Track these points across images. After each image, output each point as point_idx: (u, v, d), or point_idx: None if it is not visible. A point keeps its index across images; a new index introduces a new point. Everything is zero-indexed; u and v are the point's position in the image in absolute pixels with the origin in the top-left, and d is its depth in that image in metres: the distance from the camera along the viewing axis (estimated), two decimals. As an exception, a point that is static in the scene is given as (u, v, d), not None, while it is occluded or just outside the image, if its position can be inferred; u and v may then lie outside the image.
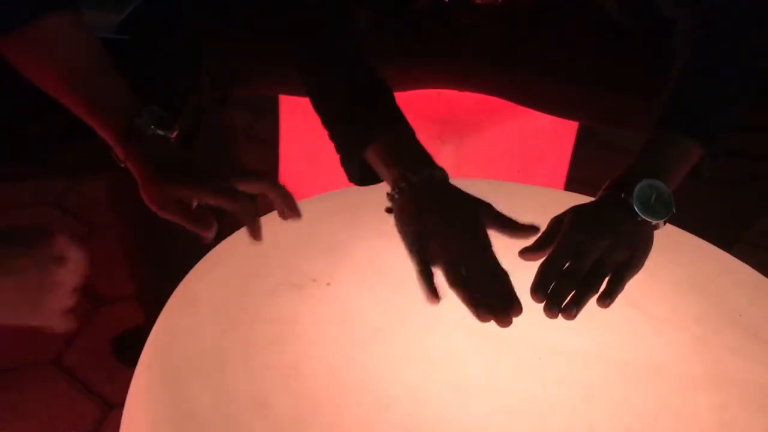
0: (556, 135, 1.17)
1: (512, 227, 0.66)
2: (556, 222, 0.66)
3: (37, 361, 1.08)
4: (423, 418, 0.55)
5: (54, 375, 1.06)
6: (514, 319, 0.60)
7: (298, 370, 0.58)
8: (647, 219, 0.64)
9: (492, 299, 0.60)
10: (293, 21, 0.83)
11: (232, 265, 0.68)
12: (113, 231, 1.14)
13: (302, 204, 0.80)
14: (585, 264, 0.62)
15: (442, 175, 0.70)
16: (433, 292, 0.62)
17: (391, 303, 0.66)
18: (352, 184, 0.78)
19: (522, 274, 0.63)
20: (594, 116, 1.02)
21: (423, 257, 0.64)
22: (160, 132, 0.69)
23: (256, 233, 0.67)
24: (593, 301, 0.62)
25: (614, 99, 0.93)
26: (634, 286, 0.70)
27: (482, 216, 0.66)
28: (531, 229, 0.66)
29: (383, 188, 0.73)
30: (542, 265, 0.62)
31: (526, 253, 0.65)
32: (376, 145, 0.71)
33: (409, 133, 0.73)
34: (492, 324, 0.61)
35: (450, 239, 0.64)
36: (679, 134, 0.69)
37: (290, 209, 0.69)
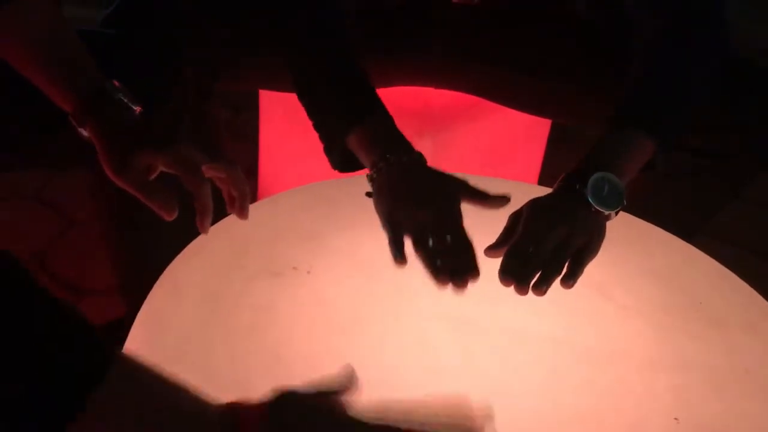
0: (529, 131, 1.19)
1: (484, 198, 0.70)
2: (516, 216, 0.69)
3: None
4: (398, 400, 0.58)
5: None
6: (486, 306, 0.63)
7: (279, 355, 0.60)
8: (600, 209, 0.67)
9: (453, 265, 0.64)
10: (282, 15, 0.85)
11: (214, 254, 0.70)
12: (94, 223, 1.15)
13: (282, 196, 0.83)
14: (546, 249, 0.65)
15: (419, 157, 0.73)
16: (400, 256, 0.65)
17: (368, 291, 0.68)
18: (332, 176, 0.80)
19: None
20: (566, 114, 1.05)
21: (394, 226, 0.67)
22: (125, 100, 0.68)
23: (205, 223, 0.66)
24: (559, 292, 0.65)
25: (586, 97, 0.95)
26: (600, 274, 0.73)
27: (455, 191, 0.70)
28: (502, 199, 0.70)
29: (361, 181, 0.75)
30: (507, 252, 0.65)
31: (491, 250, 0.68)
32: (356, 132, 0.74)
33: (388, 120, 0.76)
34: (465, 308, 0.64)
35: (420, 210, 0.67)
36: (632, 131, 0.72)
37: (240, 208, 0.68)
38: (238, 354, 0.60)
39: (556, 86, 0.96)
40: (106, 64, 0.72)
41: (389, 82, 0.99)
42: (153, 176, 0.66)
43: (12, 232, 1.31)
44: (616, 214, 0.69)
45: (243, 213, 0.68)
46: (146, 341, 0.61)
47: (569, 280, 0.64)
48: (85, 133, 0.68)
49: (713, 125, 0.83)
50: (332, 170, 0.81)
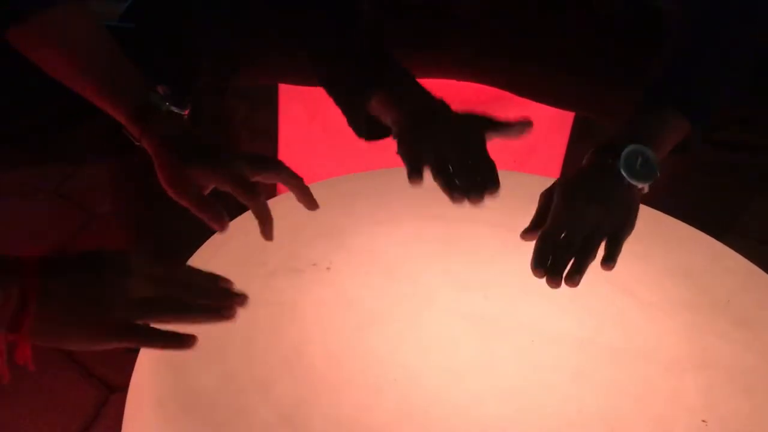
0: (552, 125, 1.18)
1: (507, 127, 0.70)
2: (547, 195, 0.67)
3: (37, 345, 1.09)
4: (418, 400, 0.57)
5: (55, 359, 1.07)
6: (507, 304, 0.62)
7: (298, 351, 0.60)
8: (633, 183, 0.66)
9: (470, 183, 0.64)
10: None
11: (233, 250, 0.69)
12: (113, 218, 1.15)
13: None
14: (580, 233, 0.63)
15: (443, 103, 0.73)
16: (416, 171, 0.66)
17: (388, 288, 0.67)
18: (351, 171, 0.79)
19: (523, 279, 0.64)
20: (590, 107, 1.03)
21: (415, 156, 0.67)
22: (173, 109, 0.69)
23: (268, 232, 0.66)
24: (582, 290, 0.64)
25: (610, 90, 0.94)
26: (625, 272, 0.72)
27: (478, 124, 0.70)
28: (523, 123, 0.70)
29: (381, 177, 0.74)
30: (539, 241, 0.63)
31: (526, 233, 0.67)
32: (377, 93, 0.73)
33: (408, 74, 0.75)
34: (486, 306, 0.63)
35: (442, 140, 0.67)
36: (664, 110, 0.70)
37: (307, 201, 0.68)
38: (257, 350, 0.59)
39: (580, 79, 0.94)
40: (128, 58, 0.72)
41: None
42: (207, 192, 0.66)
43: (32, 227, 1.32)
44: (649, 188, 0.67)
45: (311, 204, 0.68)
46: (166, 337, 0.60)
47: (609, 262, 0.63)
48: (140, 145, 0.69)
49: (746, 119, 0.81)
50: (351, 165, 0.80)
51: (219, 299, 0.55)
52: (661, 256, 0.75)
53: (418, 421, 0.55)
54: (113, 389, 1.04)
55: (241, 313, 0.62)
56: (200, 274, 0.56)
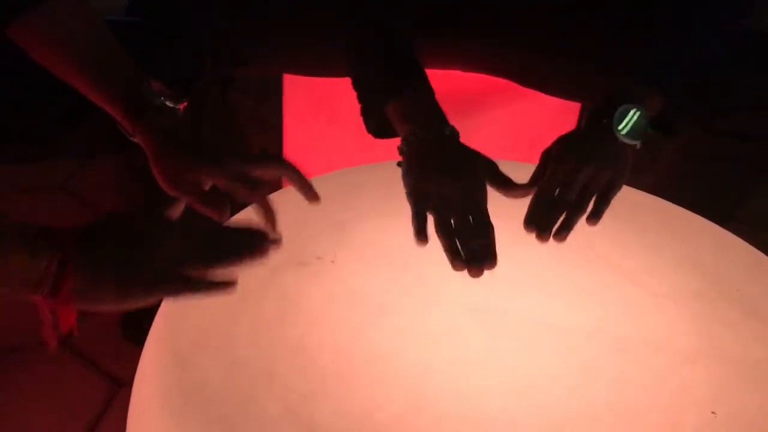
0: (558, 116, 1.17)
1: (508, 185, 0.71)
2: (547, 154, 0.71)
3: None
4: (424, 392, 0.57)
5: (62, 354, 1.08)
6: (515, 296, 0.62)
7: (304, 345, 0.60)
8: (625, 141, 0.69)
9: (471, 250, 0.64)
10: None
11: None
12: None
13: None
14: (572, 191, 0.67)
15: (452, 132, 0.73)
16: (422, 234, 0.66)
17: (394, 280, 0.67)
18: (356, 164, 0.79)
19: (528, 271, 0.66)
20: (597, 98, 1.03)
21: (419, 200, 0.68)
22: (167, 103, 0.68)
23: (271, 228, 0.65)
24: (590, 281, 0.63)
25: (617, 81, 0.93)
26: (633, 262, 0.71)
27: (482, 172, 0.70)
28: (525, 190, 0.71)
29: (386, 169, 0.74)
30: (533, 199, 0.67)
31: (524, 187, 0.70)
32: (395, 102, 0.75)
33: (428, 94, 0.76)
34: (493, 299, 0.62)
35: (446, 187, 0.68)
36: (638, 84, 0.74)
37: (309, 194, 0.67)
38: (263, 343, 0.59)
39: (587, 70, 0.93)
40: (134, 53, 0.72)
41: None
42: (207, 187, 0.66)
43: (39, 223, 1.32)
44: (642, 145, 0.71)
45: (313, 197, 0.67)
46: (171, 331, 0.60)
47: (594, 218, 0.66)
48: (135, 140, 0.68)
49: (752, 106, 0.80)
50: (356, 158, 0.80)
51: (252, 239, 0.56)
52: (670, 246, 0.74)
53: (425, 414, 0.55)
54: (121, 384, 1.04)
55: (247, 307, 0.63)
56: (229, 227, 0.59)
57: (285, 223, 0.71)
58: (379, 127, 0.78)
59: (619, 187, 0.69)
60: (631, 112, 0.70)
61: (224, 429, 0.52)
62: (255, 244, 0.55)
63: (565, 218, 0.66)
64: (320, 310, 0.63)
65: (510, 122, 1.10)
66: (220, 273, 0.54)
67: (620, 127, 0.69)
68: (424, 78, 0.77)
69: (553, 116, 1.17)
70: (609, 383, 0.59)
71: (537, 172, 0.71)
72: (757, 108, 0.81)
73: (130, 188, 0.95)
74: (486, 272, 0.63)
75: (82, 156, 1.42)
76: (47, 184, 1.41)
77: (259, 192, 0.65)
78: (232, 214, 0.71)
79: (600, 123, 0.70)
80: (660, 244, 0.74)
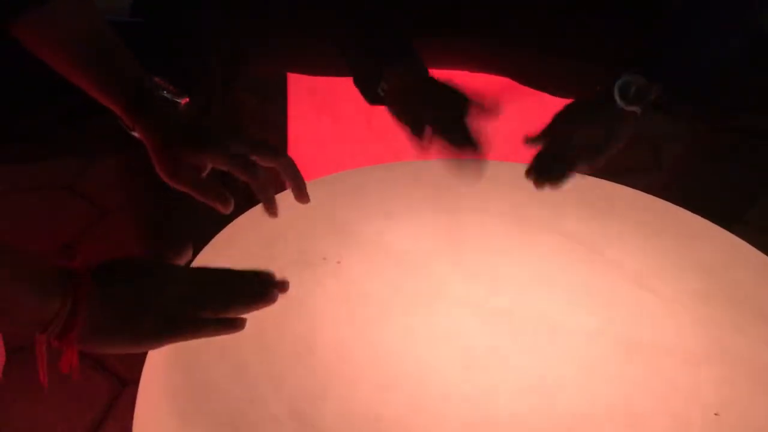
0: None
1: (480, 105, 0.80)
2: (555, 117, 0.79)
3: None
4: (429, 393, 0.57)
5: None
6: (519, 296, 0.61)
7: (309, 345, 0.60)
8: (625, 107, 0.76)
9: (460, 141, 0.76)
10: None
11: (243, 244, 0.69)
12: (125, 213, 1.15)
13: (311, 185, 0.82)
14: (572, 146, 0.75)
15: (422, 67, 0.83)
16: (423, 143, 0.76)
17: (399, 281, 0.67)
18: (361, 165, 0.79)
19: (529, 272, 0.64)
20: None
21: (414, 119, 0.78)
22: (168, 96, 0.68)
23: (271, 208, 0.66)
24: (596, 283, 0.63)
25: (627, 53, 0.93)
26: (639, 265, 0.71)
27: (460, 96, 0.80)
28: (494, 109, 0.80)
29: (391, 170, 0.74)
30: (536, 155, 0.75)
31: (530, 141, 0.78)
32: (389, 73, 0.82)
33: (419, 63, 0.84)
34: (498, 299, 0.62)
35: (435, 107, 0.79)
36: (635, 71, 0.78)
37: (299, 192, 0.68)
38: (268, 344, 0.59)
39: (588, 70, 0.93)
40: (137, 53, 0.72)
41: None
42: (205, 174, 0.66)
43: (44, 222, 1.33)
44: (642, 111, 0.76)
45: (303, 197, 0.67)
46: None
47: (590, 164, 0.74)
48: (135, 135, 0.68)
49: (759, 107, 0.80)
50: (361, 158, 0.80)
51: (263, 286, 0.57)
52: (677, 249, 0.74)
53: (430, 414, 0.55)
54: (126, 383, 1.05)
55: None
56: (239, 270, 0.58)
57: (290, 224, 0.72)
58: (375, 94, 0.84)
59: (616, 145, 0.76)
60: (631, 78, 0.76)
61: (230, 430, 0.52)
62: (264, 290, 0.56)
63: (560, 166, 0.73)
64: (325, 310, 0.63)
65: (514, 122, 1.10)
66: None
67: (622, 94, 0.75)
68: (414, 52, 0.84)
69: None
70: (615, 385, 0.59)
71: (545, 130, 0.78)
72: (764, 108, 0.81)
73: (134, 187, 0.96)
74: (489, 274, 0.64)
75: (86, 155, 1.42)
76: (51, 184, 1.42)
77: (258, 171, 0.64)
78: (237, 213, 0.71)
79: (603, 91, 0.77)
80: (667, 247, 0.74)
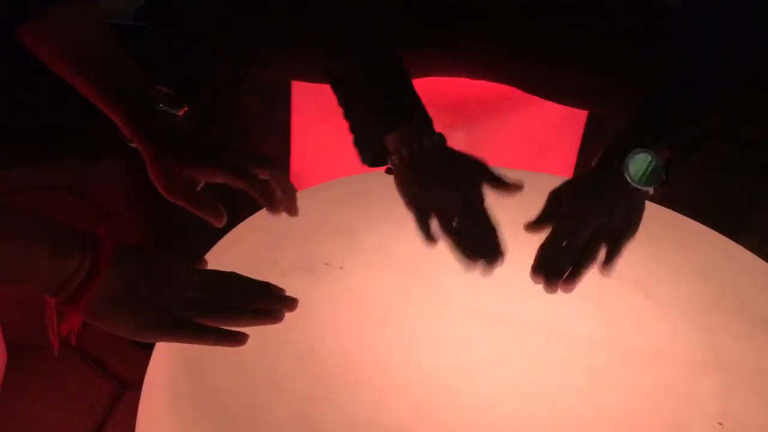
0: (565, 123, 1.17)
1: (500, 183, 0.71)
2: (555, 195, 0.69)
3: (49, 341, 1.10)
4: (431, 398, 0.57)
5: (69, 355, 1.08)
6: (522, 303, 0.62)
7: (312, 350, 0.60)
8: (638, 187, 0.67)
9: (479, 246, 0.65)
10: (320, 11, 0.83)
11: (246, 249, 0.69)
12: (127, 215, 1.16)
13: (314, 190, 0.82)
14: (581, 238, 0.65)
15: (440, 138, 0.73)
16: (429, 237, 0.67)
17: (402, 286, 0.67)
18: (364, 170, 0.79)
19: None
20: (603, 105, 1.03)
21: (420, 207, 0.69)
22: (167, 109, 0.68)
23: (273, 207, 0.65)
24: (597, 290, 0.63)
25: (623, 88, 0.93)
26: (641, 272, 0.71)
27: (476, 171, 0.71)
28: (515, 186, 0.71)
29: (392, 176, 0.74)
30: (541, 246, 0.65)
31: (531, 227, 0.68)
32: (396, 131, 0.73)
33: (426, 122, 0.74)
34: (500, 305, 0.62)
35: (444, 192, 0.69)
36: (644, 135, 0.70)
37: (290, 205, 0.68)
38: (271, 348, 0.59)
39: (593, 77, 0.94)
40: (141, 58, 0.72)
41: (423, 73, 0.98)
42: (199, 188, 0.67)
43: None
44: (654, 191, 0.68)
45: (293, 210, 0.67)
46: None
47: (607, 266, 0.64)
48: (134, 146, 0.69)
49: (762, 114, 0.80)
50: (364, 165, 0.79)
51: (271, 301, 0.58)
52: (677, 256, 0.74)
53: (432, 420, 0.55)
54: (127, 385, 1.05)
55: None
56: (250, 280, 0.59)
57: (293, 229, 0.72)
58: (373, 157, 0.76)
59: (633, 234, 0.66)
60: (644, 156, 0.67)
61: (232, 434, 0.52)
62: (272, 309, 0.57)
63: (574, 267, 0.63)
64: (328, 315, 0.64)
65: (515, 130, 1.10)
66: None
67: (633, 172, 0.66)
68: (422, 108, 0.75)
69: (559, 124, 1.17)
70: (615, 392, 0.59)
71: (543, 213, 0.69)
72: (764, 119, 0.81)
73: (137, 189, 0.96)
74: (492, 280, 0.63)
75: (87, 156, 1.42)
76: (52, 184, 1.42)
77: (255, 177, 0.65)
78: (233, 222, 0.71)
79: (610, 165, 0.67)
80: (667, 254, 0.74)
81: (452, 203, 0.68)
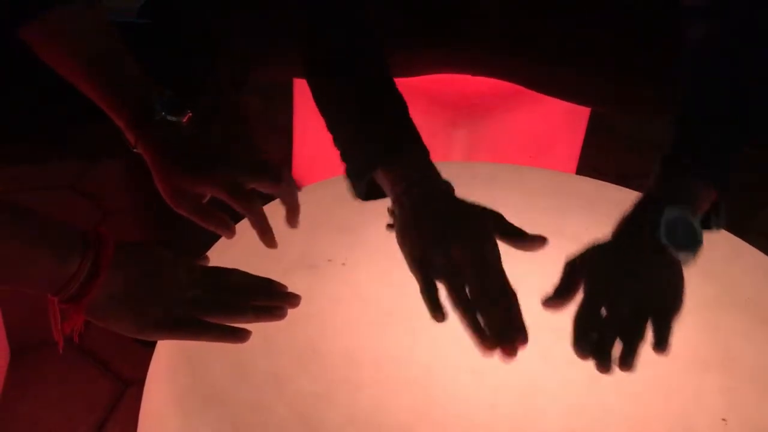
0: (568, 120, 1.17)
1: (520, 238, 0.63)
2: (572, 265, 0.61)
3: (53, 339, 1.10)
4: (434, 397, 0.57)
5: (71, 353, 1.08)
6: (525, 301, 0.61)
7: (314, 348, 0.60)
8: (680, 256, 0.59)
9: (496, 326, 0.56)
10: (302, 17, 0.77)
11: (248, 246, 0.69)
12: (128, 214, 1.16)
13: (316, 187, 0.82)
14: (623, 310, 0.57)
15: (447, 186, 0.66)
16: (438, 310, 0.58)
17: (404, 283, 0.67)
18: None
19: (536, 280, 0.61)
20: (606, 103, 1.02)
21: (425, 272, 0.60)
22: (170, 117, 0.68)
23: (268, 239, 0.66)
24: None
25: (626, 85, 0.93)
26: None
27: (490, 226, 0.62)
28: (538, 239, 0.63)
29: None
30: (578, 319, 0.58)
31: (548, 302, 0.61)
32: (386, 167, 0.67)
33: (422, 153, 0.68)
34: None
35: (453, 252, 0.59)
36: (690, 179, 0.63)
37: (292, 217, 0.69)
38: (273, 347, 0.59)
39: (598, 75, 0.93)
40: (143, 55, 0.72)
41: (426, 69, 0.98)
42: (205, 200, 0.67)
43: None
44: (695, 258, 0.60)
45: (294, 222, 0.68)
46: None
47: (662, 346, 0.56)
48: (137, 152, 0.69)
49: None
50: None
51: (273, 298, 0.58)
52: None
53: (435, 419, 0.55)
54: (129, 383, 1.05)
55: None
56: (253, 277, 0.60)
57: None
58: (367, 191, 0.70)
59: (680, 306, 0.58)
60: (680, 220, 0.58)
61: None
62: (274, 306, 0.57)
63: (626, 346, 0.55)
64: (330, 313, 0.63)
65: (517, 126, 1.10)
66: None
67: (671, 240, 0.58)
68: (417, 139, 0.67)
69: (561, 120, 1.16)
70: (620, 390, 0.59)
71: (562, 284, 0.60)
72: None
73: (139, 188, 0.95)
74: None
75: (90, 156, 1.42)
76: (54, 184, 1.42)
77: (254, 206, 0.65)
78: (235, 220, 0.71)
79: (640, 232, 0.59)
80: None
81: (462, 261, 0.58)
